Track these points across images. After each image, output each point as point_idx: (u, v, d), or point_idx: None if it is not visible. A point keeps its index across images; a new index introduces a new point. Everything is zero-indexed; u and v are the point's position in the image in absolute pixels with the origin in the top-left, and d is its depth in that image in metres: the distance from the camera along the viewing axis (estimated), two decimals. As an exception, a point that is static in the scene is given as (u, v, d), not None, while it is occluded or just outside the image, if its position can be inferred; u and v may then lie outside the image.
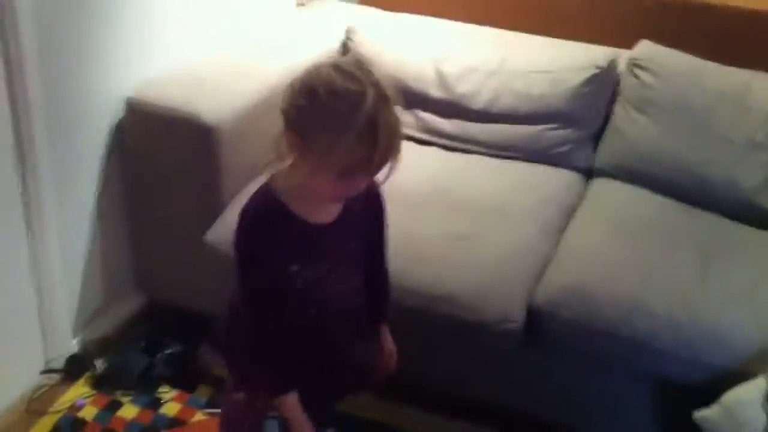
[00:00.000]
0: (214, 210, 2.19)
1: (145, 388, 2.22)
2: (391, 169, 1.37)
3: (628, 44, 2.49)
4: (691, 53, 2.41)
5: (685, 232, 2.15)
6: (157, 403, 2.19)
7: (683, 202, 2.27)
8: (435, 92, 2.50)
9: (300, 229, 1.44)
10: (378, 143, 1.31)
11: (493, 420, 2.18)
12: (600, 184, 2.39)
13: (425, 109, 2.53)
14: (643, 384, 1.97)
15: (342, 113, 1.29)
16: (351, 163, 1.33)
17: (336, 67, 1.34)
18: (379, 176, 1.39)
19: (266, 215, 1.44)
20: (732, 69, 2.38)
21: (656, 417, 1.97)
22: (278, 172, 1.44)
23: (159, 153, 2.24)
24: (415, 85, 2.50)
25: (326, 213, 1.48)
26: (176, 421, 2.14)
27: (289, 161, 1.39)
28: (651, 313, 1.89)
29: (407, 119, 2.47)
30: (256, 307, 1.50)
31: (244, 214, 1.46)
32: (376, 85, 1.32)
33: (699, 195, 2.27)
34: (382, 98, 1.32)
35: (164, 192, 2.29)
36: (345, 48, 2.63)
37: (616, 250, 2.06)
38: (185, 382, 2.25)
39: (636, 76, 2.41)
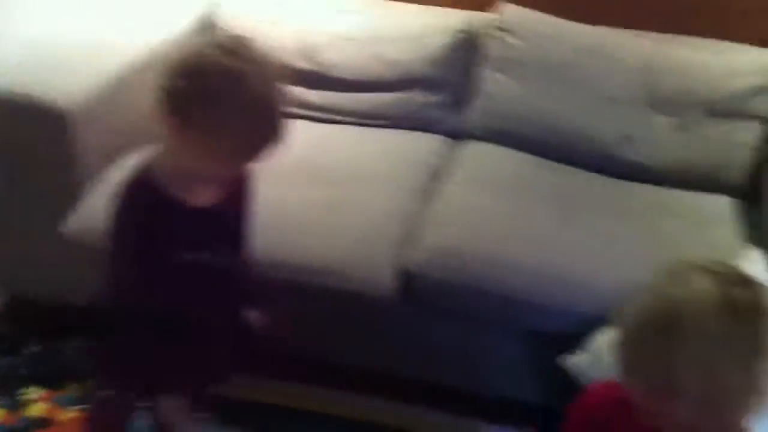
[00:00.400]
0: (71, 199, 2.08)
1: (9, 389, 2.10)
2: (275, 149, 1.33)
3: (490, 7, 2.50)
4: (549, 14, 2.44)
5: (551, 187, 2.18)
6: (22, 404, 2.07)
7: (550, 159, 2.30)
8: (299, 63, 2.44)
9: (179, 212, 1.38)
10: (263, 123, 1.27)
11: (378, 385, 2.15)
12: (469, 147, 2.39)
13: (290, 82, 2.47)
14: (517, 336, 1.98)
15: (226, 93, 1.24)
16: (236, 144, 1.28)
17: (217, 45, 1.28)
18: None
19: (142, 197, 1.37)
20: (590, 27, 2.42)
21: (533, 366, 2.00)
22: (156, 154, 1.37)
23: (9, 142, 2.11)
24: (279, 56, 2.43)
25: (207, 196, 1.42)
26: (44, 421, 2.03)
27: (167, 143, 1.33)
28: (518, 267, 1.91)
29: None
30: (126, 282, 1.43)
31: (121, 197, 1.39)
32: (259, 62, 1.28)
33: (564, 151, 2.30)
34: (266, 76, 1.28)
35: (19, 183, 2.16)
36: (206, 20, 2.54)
37: (484, 209, 2.07)
38: (52, 381, 2.13)
39: (500, 39, 2.41)
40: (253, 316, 1.65)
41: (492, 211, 2.06)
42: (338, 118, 2.46)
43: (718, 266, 1.06)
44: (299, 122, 2.43)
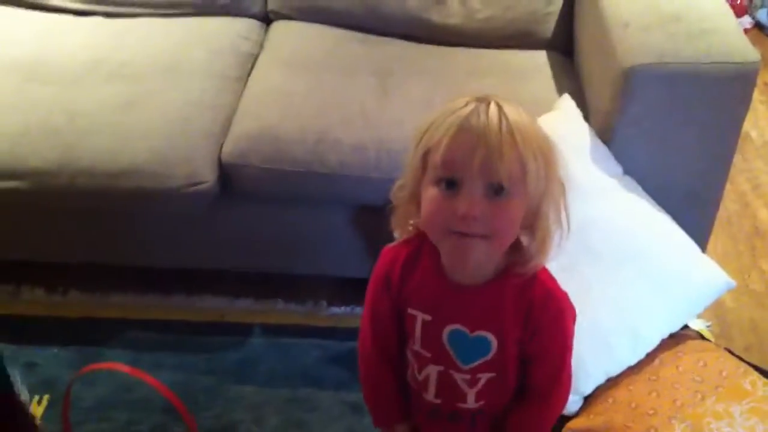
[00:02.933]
0: None
1: None
2: None
3: None
4: None
5: (363, 59, 2.12)
6: None
7: (361, 31, 2.23)
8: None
9: None
10: None
11: (214, 283, 2.12)
12: (278, 28, 2.28)
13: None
14: (345, 211, 1.97)
15: None
16: None
17: None
18: None
19: None
20: None
21: (364, 240, 1.99)
22: None
23: None
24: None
25: None
26: None
27: None
28: (337, 143, 1.86)
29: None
30: None
31: None
32: None
33: (373, 21, 2.23)
34: None
35: None
36: None
37: (298, 88, 1.99)
38: None
39: None
40: None
41: (305, 91, 1.98)
42: (133, 10, 2.28)
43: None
44: (91, 19, 2.27)
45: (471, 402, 1.22)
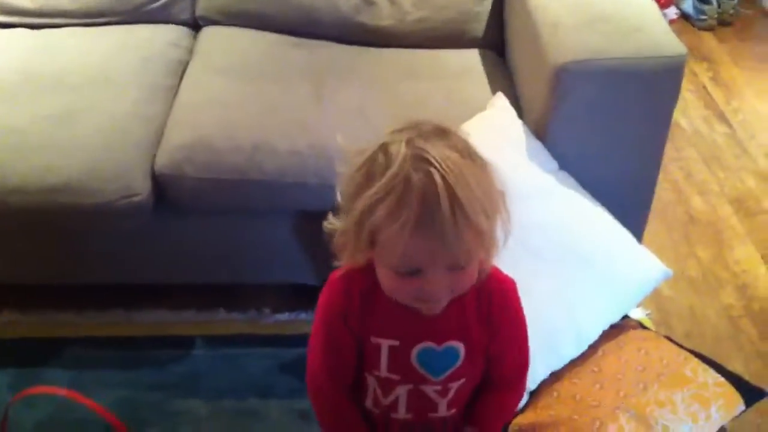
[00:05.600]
0: None
1: None
2: None
3: None
4: None
5: (297, 64, 2.10)
6: None
7: (293, 36, 2.21)
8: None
9: None
10: None
11: (155, 298, 2.08)
12: (208, 34, 2.24)
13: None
14: (285, 219, 1.95)
15: None
16: None
17: None
18: None
19: None
20: None
21: (306, 245, 1.98)
22: None
23: None
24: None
25: None
26: None
27: None
28: (274, 150, 1.84)
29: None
30: None
31: None
32: None
33: (306, 25, 2.21)
34: None
35: None
36: None
37: (232, 96, 1.97)
38: None
39: None
40: None
41: (239, 98, 1.96)
42: (59, 21, 2.22)
43: (420, 123, 1.04)
44: (17, 32, 2.21)
45: (443, 411, 1.22)
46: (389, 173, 0.98)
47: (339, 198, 1.08)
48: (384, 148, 1.01)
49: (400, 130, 1.03)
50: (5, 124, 1.87)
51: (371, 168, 1.01)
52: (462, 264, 1.02)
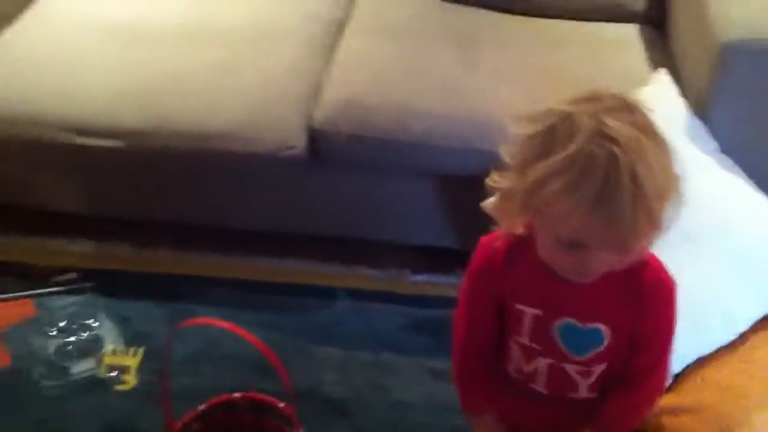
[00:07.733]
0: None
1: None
2: None
3: None
4: None
5: (450, 28, 2.12)
6: None
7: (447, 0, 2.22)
8: None
9: None
10: None
11: (297, 247, 2.15)
12: (364, -5, 2.29)
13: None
14: (431, 182, 1.97)
15: None
16: None
17: None
18: None
19: None
20: None
21: (451, 212, 2.00)
22: None
23: None
24: None
25: None
26: None
27: None
28: (423, 111, 1.87)
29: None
30: None
31: None
32: None
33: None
34: None
35: None
36: None
37: (384, 57, 2.01)
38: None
39: None
40: None
41: (392, 59, 2.00)
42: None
43: (603, 95, 1.01)
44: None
45: (583, 392, 1.22)
46: (572, 147, 0.96)
47: (507, 159, 1.06)
48: (566, 118, 0.98)
49: (584, 101, 0.99)
50: (169, 70, 1.96)
51: (549, 138, 0.99)
52: (630, 244, 1.01)
